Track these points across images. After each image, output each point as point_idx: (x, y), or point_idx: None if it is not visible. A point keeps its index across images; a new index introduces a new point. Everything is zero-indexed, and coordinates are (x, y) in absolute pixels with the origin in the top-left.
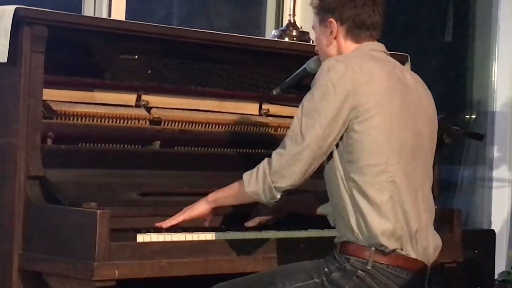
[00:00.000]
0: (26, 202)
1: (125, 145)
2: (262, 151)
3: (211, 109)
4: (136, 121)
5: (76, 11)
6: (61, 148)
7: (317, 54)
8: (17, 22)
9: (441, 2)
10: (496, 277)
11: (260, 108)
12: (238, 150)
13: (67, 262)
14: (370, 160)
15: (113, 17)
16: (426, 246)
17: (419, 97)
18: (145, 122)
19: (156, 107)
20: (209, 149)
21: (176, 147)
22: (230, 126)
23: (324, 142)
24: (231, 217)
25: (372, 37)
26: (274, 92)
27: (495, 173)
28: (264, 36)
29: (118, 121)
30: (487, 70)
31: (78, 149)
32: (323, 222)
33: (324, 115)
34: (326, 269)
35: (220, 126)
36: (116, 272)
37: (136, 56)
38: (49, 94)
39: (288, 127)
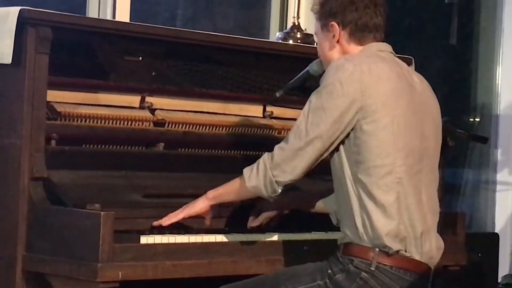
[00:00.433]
0: (30, 204)
1: (129, 147)
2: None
3: (215, 111)
4: (140, 122)
5: (80, 13)
6: (65, 150)
7: None
8: (22, 24)
9: (445, 5)
10: (499, 280)
11: (264, 110)
12: (241, 152)
13: (70, 264)
14: (377, 161)
15: (117, 18)
16: (430, 248)
17: (426, 98)
18: (149, 124)
19: (160, 109)
20: (213, 151)
21: (180, 149)
22: (234, 128)
23: (328, 140)
24: (235, 219)
25: (376, 39)
26: (278, 94)
27: (499, 176)
28: (268, 38)
29: (122, 122)
30: (491, 73)
31: (82, 151)
32: (326, 225)
33: (330, 114)
34: (329, 271)
35: (224, 128)
36: (120, 273)
37: (140, 58)
38: (53, 96)
39: None
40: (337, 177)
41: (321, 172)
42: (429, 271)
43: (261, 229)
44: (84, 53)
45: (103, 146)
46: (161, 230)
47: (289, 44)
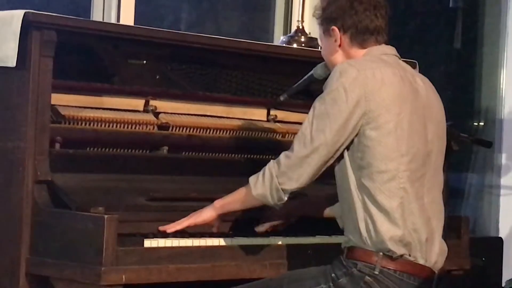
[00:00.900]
0: (34, 207)
1: (133, 150)
2: (270, 156)
3: (219, 115)
4: (144, 126)
5: (85, 16)
6: (69, 153)
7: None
8: (26, 27)
9: (449, 9)
10: (503, 284)
11: (268, 114)
12: (245, 155)
13: (74, 267)
14: (380, 167)
15: (121, 22)
16: (434, 252)
17: (429, 102)
18: (153, 127)
19: (164, 112)
20: (217, 154)
21: (184, 153)
22: (238, 132)
23: (333, 146)
24: (239, 222)
25: (378, 41)
26: (282, 98)
27: (503, 181)
28: (272, 42)
29: (126, 126)
30: (495, 77)
31: (86, 154)
32: (330, 229)
33: (334, 120)
34: (333, 275)
35: (228, 132)
36: (123, 277)
37: (145, 61)
38: (57, 99)
39: (296, 133)
40: (341, 182)
41: (328, 177)
42: (433, 275)
43: (265, 233)
44: (88, 57)
45: (107, 149)
46: (165, 234)
47: (293, 48)
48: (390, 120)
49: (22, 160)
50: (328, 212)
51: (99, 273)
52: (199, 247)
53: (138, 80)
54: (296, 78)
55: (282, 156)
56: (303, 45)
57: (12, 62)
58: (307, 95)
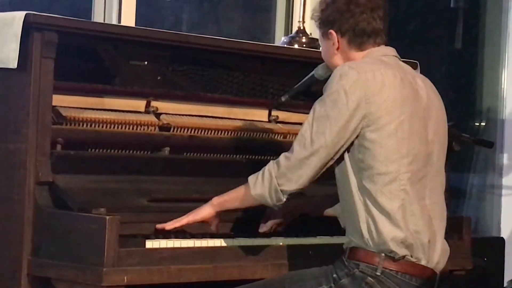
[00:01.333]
0: (35, 208)
1: (135, 151)
2: (271, 157)
3: (220, 116)
4: (146, 127)
5: (86, 17)
6: (70, 154)
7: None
8: (27, 28)
9: (450, 9)
10: (505, 285)
11: (269, 114)
12: (247, 156)
13: (76, 268)
14: (381, 169)
15: (123, 23)
16: (436, 253)
17: (430, 102)
18: (155, 128)
19: (166, 113)
20: (218, 155)
21: (185, 153)
22: (239, 133)
23: (333, 149)
24: (240, 223)
25: (377, 43)
26: (283, 99)
27: (505, 181)
28: (273, 43)
29: (127, 127)
30: (496, 78)
31: (87, 155)
32: (332, 229)
33: (334, 122)
34: (334, 275)
35: (229, 133)
36: (125, 278)
37: (146, 62)
38: (58, 100)
39: (297, 134)
40: (342, 183)
41: (329, 177)
42: (435, 276)
43: (266, 234)
44: (89, 58)
45: (108, 150)
46: (167, 235)
47: (294, 48)
48: (391, 122)
49: (24, 162)
50: (329, 211)
51: (101, 274)
52: (200, 248)
53: (139, 81)
54: (297, 78)
55: (282, 157)
56: (304, 45)
57: (13, 64)
58: (308, 95)
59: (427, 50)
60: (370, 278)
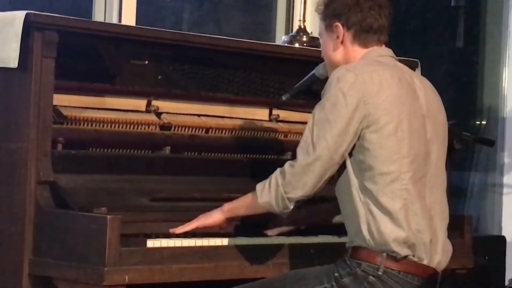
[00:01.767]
0: (36, 207)
1: (135, 151)
2: (272, 156)
3: (221, 115)
4: (146, 126)
5: (86, 17)
6: (71, 153)
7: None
8: (28, 28)
9: (451, 8)
10: (506, 283)
11: (270, 113)
12: (248, 155)
13: (77, 267)
14: (382, 169)
15: (123, 22)
16: (438, 252)
17: (428, 102)
18: (155, 128)
19: (166, 113)
20: (219, 154)
21: (186, 153)
22: (240, 132)
23: (336, 152)
24: (241, 222)
25: (380, 41)
26: (284, 98)
27: (506, 179)
28: (274, 42)
29: (128, 126)
30: (497, 76)
31: (88, 154)
32: (333, 228)
33: (335, 125)
34: (336, 274)
35: (230, 132)
36: (126, 277)
37: (146, 62)
38: (59, 99)
39: (298, 133)
40: (342, 185)
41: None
42: (437, 275)
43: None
44: (90, 57)
45: (109, 150)
46: (168, 234)
47: (295, 47)
48: (390, 122)
49: (25, 161)
50: (338, 218)
51: (102, 273)
52: (202, 247)
53: (140, 81)
54: (298, 77)
55: (287, 165)
56: (305, 44)
57: (14, 63)
58: (309, 94)
59: (428, 49)
60: (372, 278)
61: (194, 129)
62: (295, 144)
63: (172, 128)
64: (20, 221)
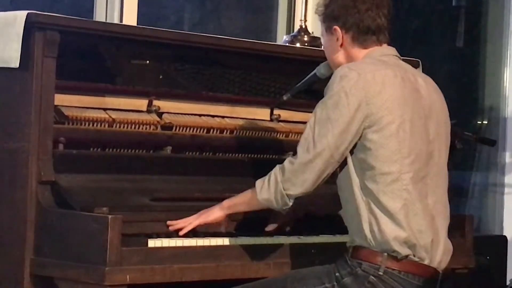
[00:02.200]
0: (38, 207)
1: (137, 150)
2: (273, 156)
3: (222, 115)
4: (148, 126)
5: (88, 16)
6: (72, 153)
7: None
8: (29, 27)
9: (452, 8)
10: (508, 283)
11: (271, 113)
12: (249, 155)
13: (78, 267)
14: (383, 169)
15: (124, 22)
16: (439, 252)
17: (431, 101)
18: (157, 127)
19: (168, 112)
20: (220, 154)
21: (187, 152)
22: (241, 132)
23: (336, 151)
24: (243, 222)
25: (380, 41)
26: (285, 98)
27: (507, 179)
28: (275, 42)
29: (129, 126)
30: (499, 76)
31: (89, 154)
32: (334, 228)
33: (336, 124)
34: (337, 274)
35: (231, 132)
36: (128, 277)
37: (148, 61)
38: (60, 99)
39: (299, 133)
40: (344, 184)
41: (334, 177)
42: (438, 274)
43: (270, 232)
44: (91, 57)
45: (110, 149)
46: (169, 234)
47: (296, 47)
48: (393, 122)
49: (26, 161)
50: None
51: (103, 273)
52: (203, 246)
53: (141, 80)
54: (299, 77)
55: (287, 162)
56: (306, 44)
57: (15, 63)
58: (310, 94)
59: (429, 48)
60: (372, 277)
61: (195, 129)
62: (296, 144)
63: (173, 128)
64: (21, 221)
